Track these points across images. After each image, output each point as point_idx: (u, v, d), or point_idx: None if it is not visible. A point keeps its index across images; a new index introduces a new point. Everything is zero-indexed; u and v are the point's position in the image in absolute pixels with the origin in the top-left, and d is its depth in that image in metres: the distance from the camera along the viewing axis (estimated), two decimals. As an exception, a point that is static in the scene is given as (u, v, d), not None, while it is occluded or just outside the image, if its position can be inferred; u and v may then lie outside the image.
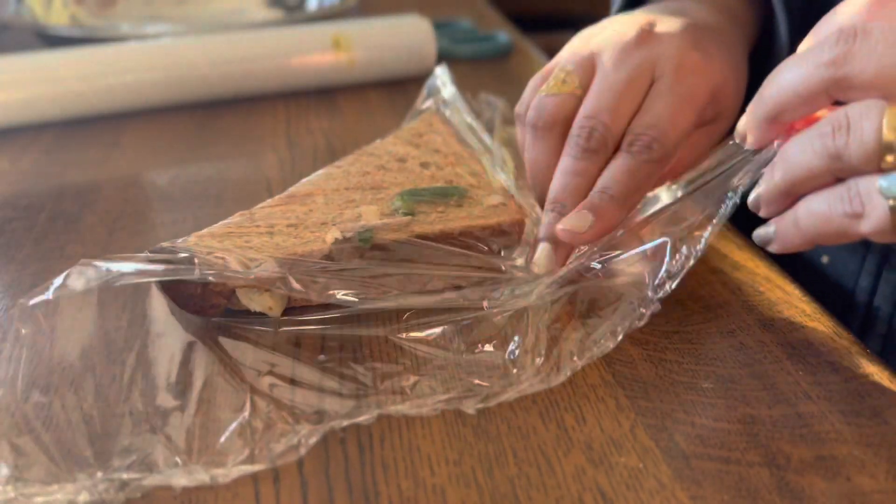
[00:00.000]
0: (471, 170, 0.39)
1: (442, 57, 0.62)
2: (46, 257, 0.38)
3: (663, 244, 0.33)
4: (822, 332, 0.32)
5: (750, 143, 0.31)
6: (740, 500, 0.24)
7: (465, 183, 0.37)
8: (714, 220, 0.32)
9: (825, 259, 0.47)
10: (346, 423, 0.27)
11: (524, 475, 0.25)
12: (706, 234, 0.32)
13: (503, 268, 0.33)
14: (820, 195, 0.27)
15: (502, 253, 0.35)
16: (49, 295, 0.27)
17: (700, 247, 0.32)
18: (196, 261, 0.29)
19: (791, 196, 0.29)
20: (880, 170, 0.25)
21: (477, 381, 0.29)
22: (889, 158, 0.25)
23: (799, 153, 0.27)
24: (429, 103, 0.47)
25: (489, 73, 0.49)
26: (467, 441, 0.27)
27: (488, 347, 0.31)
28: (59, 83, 0.54)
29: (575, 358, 0.30)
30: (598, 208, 0.32)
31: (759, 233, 0.30)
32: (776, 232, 0.29)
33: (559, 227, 0.32)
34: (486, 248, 0.34)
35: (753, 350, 0.31)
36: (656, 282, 0.32)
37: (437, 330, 0.32)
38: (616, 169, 0.32)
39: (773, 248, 0.30)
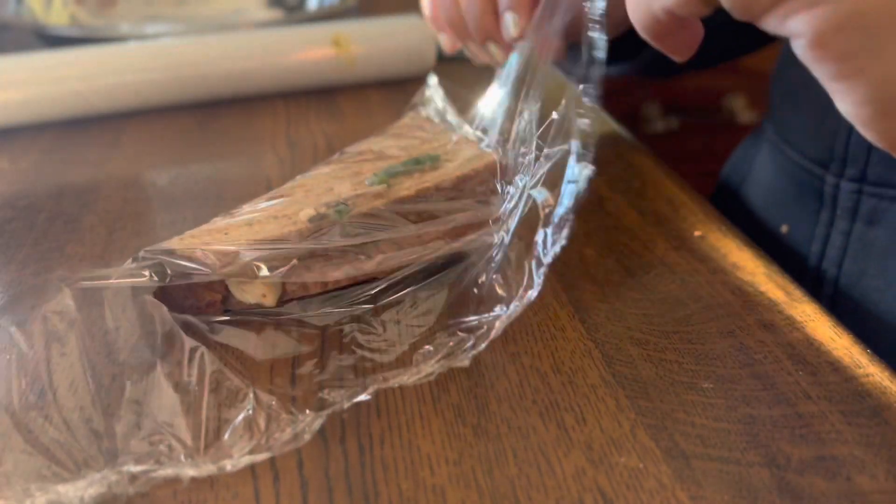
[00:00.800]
0: (447, 139, 0.39)
1: (442, 57, 0.62)
2: (46, 257, 0.38)
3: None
4: (822, 332, 0.32)
5: None
6: (740, 500, 0.24)
7: (441, 151, 0.37)
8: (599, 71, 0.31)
9: (784, 229, 0.49)
10: (347, 404, 0.27)
11: (524, 475, 0.25)
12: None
13: (484, 212, 0.33)
14: None
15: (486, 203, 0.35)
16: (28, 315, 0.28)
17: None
18: (168, 270, 0.29)
19: None
20: None
21: (467, 333, 0.30)
22: None
23: None
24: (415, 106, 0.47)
25: (489, 73, 0.49)
26: (467, 441, 0.27)
27: (474, 297, 0.31)
28: (59, 83, 0.54)
29: (545, 259, 0.30)
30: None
31: None
32: None
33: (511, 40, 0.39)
34: (465, 198, 0.34)
35: (753, 350, 0.31)
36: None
37: (427, 301, 0.32)
38: None
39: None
